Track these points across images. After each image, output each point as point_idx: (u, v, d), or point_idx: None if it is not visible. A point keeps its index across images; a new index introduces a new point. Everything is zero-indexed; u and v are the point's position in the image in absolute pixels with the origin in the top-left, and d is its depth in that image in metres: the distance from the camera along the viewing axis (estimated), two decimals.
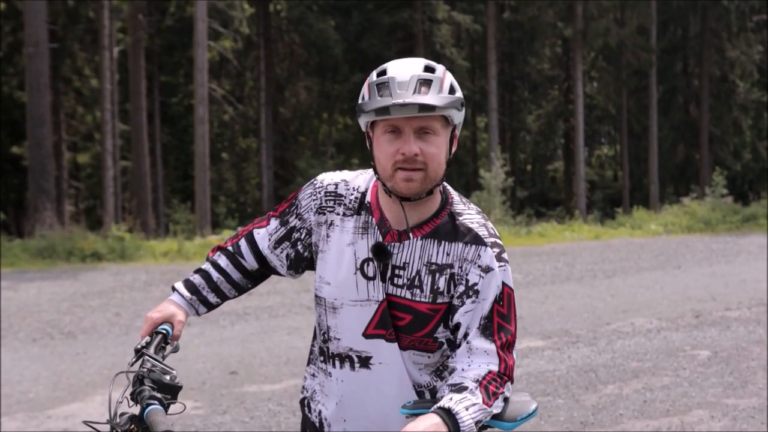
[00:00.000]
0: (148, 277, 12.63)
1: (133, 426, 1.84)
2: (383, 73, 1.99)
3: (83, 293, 11.07)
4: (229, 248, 2.29)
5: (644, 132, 33.22)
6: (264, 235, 2.23)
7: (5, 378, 6.63)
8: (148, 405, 1.83)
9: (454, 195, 2.13)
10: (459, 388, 1.93)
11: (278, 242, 2.21)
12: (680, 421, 5.39)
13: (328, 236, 2.14)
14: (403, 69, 1.98)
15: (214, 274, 2.27)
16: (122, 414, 1.87)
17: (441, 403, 1.89)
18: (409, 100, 1.90)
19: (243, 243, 2.26)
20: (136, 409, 1.88)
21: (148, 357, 1.96)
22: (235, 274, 2.27)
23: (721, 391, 6.07)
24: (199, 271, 2.29)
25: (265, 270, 2.28)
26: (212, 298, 2.27)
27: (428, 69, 1.99)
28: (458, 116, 2.01)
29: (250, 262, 2.26)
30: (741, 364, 6.85)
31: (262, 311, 9.46)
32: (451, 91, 1.99)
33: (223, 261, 2.28)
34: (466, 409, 1.89)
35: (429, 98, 1.92)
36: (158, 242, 17.11)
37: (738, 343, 7.62)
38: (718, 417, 5.47)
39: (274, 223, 2.23)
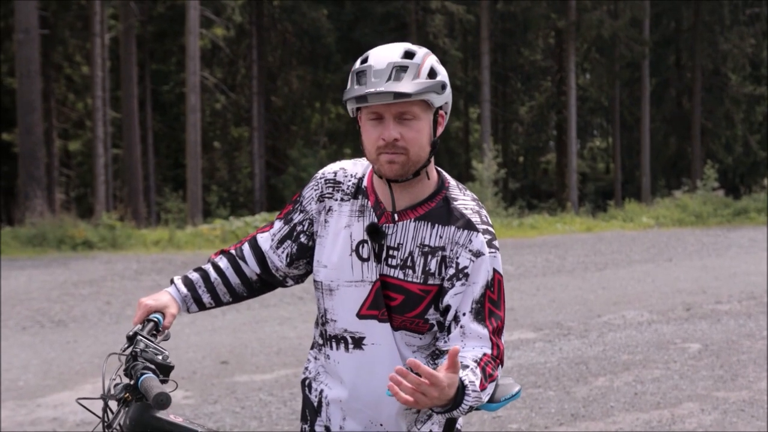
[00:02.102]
0: (139, 265, 12.59)
1: (127, 394, 1.91)
2: (365, 60, 2.04)
3: (74, 281, 11.03)
4: (232, 251, 2.33)
5: (636, 124, 33.23)
6: (267, 237, 2.28)
7: None
8: (142, 374, 1.89)
9: (451, 181, 2.19)
10: (462, 366, 1.93)
11: (281, 241, 2.26)
12: (670, 414, 5.40)
13: (326, 221, 2.19)
14: (382, 56, 2.02)
15: (212, 275, 2.31)
16: (116, 385, 1.94)
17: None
18: (381, 89, 1.95)
19: (246, 247, 2.31)
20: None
21: (141, 337, 2.01)
22: (234, 279, 2.31)
23: (711, 384, 6.08)
24: (198, 269, 2.33)
25: (266, 276, 2.30)
26: (206, 298, 2.30)
27: (408, 55, 2.03)
28: (439, 99, 2.04)
29: (252, 266, 2.30)
30: (731, 357, 6.87)
31: (253, 301, 9.44)
32: (432, 74, 2.03)
33: (223, 263, 2.32)
34: (468, 394, 1.90)
35: (403, 85, 1.97)
36: (149, 231, 17.05)
37: (728, 336, 7.64)
38: (708, 410, 5.48)
39: (278, 224, 2.28)
